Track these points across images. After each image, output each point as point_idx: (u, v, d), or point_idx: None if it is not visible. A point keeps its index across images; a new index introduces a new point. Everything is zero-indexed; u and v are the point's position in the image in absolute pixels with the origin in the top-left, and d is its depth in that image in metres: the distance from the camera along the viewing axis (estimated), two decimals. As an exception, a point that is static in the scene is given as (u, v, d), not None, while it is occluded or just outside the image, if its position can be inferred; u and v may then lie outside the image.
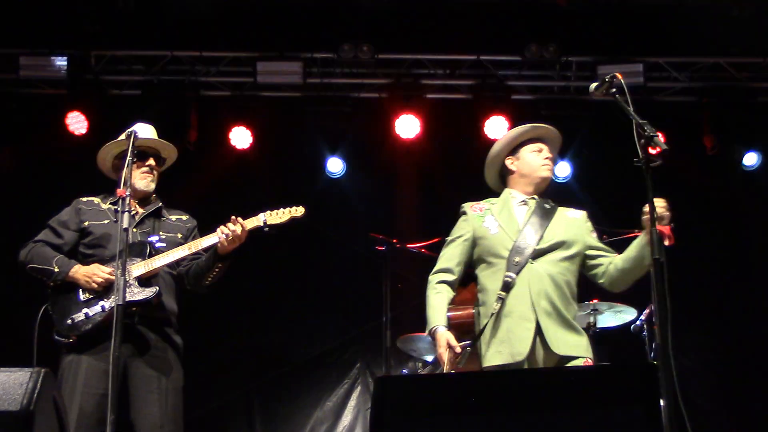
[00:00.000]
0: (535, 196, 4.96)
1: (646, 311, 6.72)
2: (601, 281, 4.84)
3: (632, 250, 4.60)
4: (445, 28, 8.82)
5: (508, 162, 5.05)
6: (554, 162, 5.06)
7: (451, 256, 4.95)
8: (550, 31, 8.76)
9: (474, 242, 4.91)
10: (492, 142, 8.86)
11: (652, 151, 3.93)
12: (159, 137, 5.45)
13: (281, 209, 5.20)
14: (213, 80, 9.10)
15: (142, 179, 5.29)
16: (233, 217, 5.04)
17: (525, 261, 4.65)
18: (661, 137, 4.31)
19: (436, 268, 4.97)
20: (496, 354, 4.57)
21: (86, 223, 5.20)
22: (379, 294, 7.12)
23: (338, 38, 8.77)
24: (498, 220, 4.87)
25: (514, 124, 8.70)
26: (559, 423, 3.05)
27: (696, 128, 9.19)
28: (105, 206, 5.28)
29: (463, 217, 5.02)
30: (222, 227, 5.02)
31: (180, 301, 5.31)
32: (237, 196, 8.76)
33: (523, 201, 4.95)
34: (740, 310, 9.05)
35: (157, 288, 4.99)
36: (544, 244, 4.72)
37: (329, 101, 9.20)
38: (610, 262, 4.76)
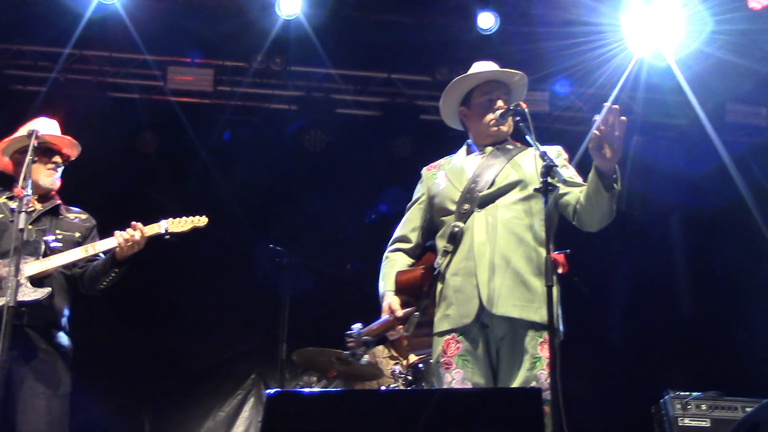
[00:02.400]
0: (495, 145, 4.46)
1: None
2: (573, 220, 4.30)
3: (587, 185, 4.09)
4: (357, 45, 8.88)
5: (461, 114, 4.61)
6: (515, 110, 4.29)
7: (406, 223, 4.57)
8: (461, 54, 8.86)
9: (430, 204, 4.49)
10: (400, 160, 9.11)
11: (550, 179, 3.94)
12: (62, 134, 5.35)
13: (183, 218, 5.16)
14: (121, 82, 8.97)
15: (48, 176, 5.18)
16: (133, 223, 4.98)
17: (471, 212, 4.20)
18: (564, 160, 4.42)
19: (392, 239, 4.58)
20: (443, 319, 4.14)
21: None
22: (277, 306, 7.12)
23: (251, 48, 8.76)
24: (448, 174, 4.45)
25: (421, 143, 8.85)
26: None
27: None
28: (1, 200, 5.14)
29: (420, 180, 4.63)
30: (121, 232, 4.96)
31: (72, 302, 5.19)
32: (139, 198, 8.65)
33: (480, 151, 4.49)
34: (627, 334, 9.34)
35: (50, 289, 4.88)
36: (492, 188, 4.24)
37: (238, 110, 9.16)
38: (578, 199, 4.20)
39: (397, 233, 4.57)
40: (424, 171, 4.62)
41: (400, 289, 4.27)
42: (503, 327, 4.06)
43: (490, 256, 4.08)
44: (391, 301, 4.20)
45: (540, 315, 3.99)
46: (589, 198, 4.07)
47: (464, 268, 4.13)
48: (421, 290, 4.22)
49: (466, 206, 4.22)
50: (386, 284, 4.33)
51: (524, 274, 4.09)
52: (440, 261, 4.18)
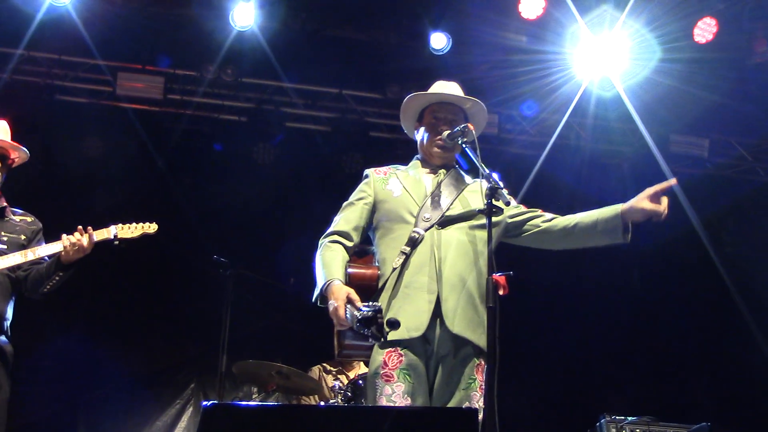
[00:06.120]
0: (447, 168, 4.51)
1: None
2: (530, 241, 4.43)
3: (595, 220, 4.28)
4: (310, 59, 8.90)
5: (416, 129, 4.66)
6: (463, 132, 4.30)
7: (348, 220, 4.36)
8: (413, 73, 8.91)
9: (374, 207, 4.40)
10: (347, 176, 9.13)
11: (495, 201, 3.98)
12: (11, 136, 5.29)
13: (133, 224, 5.14)
14: (70, 85, 8.86)
15: None
16: (80, 228, 4.95)
17: (432, 225, 4.18)
18: (505, 191, 4.47)
19: (328, 231, 4.35)
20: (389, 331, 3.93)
21: None
22: (219, 317, 7.09)
23: (203, 57, 8.74)
24: (403, 183, 4.39)
25: (370, 159, 8.88)
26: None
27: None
28: None
29: (365, 180, 4.51)
30: (68, 236, 4.92)
31: (15, 305, 5.14)
32: (86, 205, 8.55)
33: (432, 170, 4.51)
34: (564, 357, 9.43)
35: None
36: (453, 212, 4.26)
37: (188, 119, 9.12)
38: (546, 221, 4.38)
39: (337, 227, 4.35)
40: (372, 173, 4.52)
41: (356, 285, 4.08)
42: (448, 345, 4.08)
43: (448, 275, 4.10)
44: (348, 290, 3.94)
45: (483, 341, 3.99)
46: (587, 230, 4.28)
47: (419, 282, 4.10)
48: (373, 290, 4.16)
49: (428, 215, 4.22)
50: (332, 272, 4.09)
51: (475, 297, 4.13)
52: (397, 262, 4.12)
